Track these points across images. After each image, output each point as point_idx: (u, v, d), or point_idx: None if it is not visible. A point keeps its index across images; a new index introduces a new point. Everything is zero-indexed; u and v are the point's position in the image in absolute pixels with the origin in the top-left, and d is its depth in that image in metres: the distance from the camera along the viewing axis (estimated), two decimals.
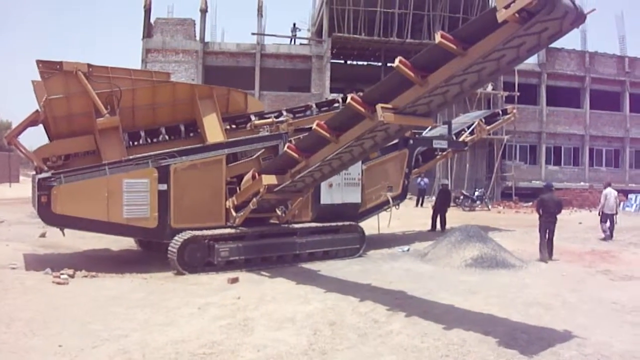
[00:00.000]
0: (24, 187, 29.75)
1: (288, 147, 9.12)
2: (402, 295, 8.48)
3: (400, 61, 6.41)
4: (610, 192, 15.69)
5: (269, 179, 9.67)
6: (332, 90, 32.87)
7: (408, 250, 13.20)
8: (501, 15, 5.21)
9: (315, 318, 7.10)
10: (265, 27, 33.26)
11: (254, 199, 10.11)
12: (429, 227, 17.47)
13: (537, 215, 12.89)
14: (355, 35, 31.23)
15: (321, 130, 8.17)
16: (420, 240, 14.68)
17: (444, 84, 6.45)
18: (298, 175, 9.32)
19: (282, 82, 33.54)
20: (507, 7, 5.13)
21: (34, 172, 11.07)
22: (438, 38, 5.87)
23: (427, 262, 11.47)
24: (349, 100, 7.37)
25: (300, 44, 35.36)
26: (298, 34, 36.72)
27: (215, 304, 7.74)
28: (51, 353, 5.54)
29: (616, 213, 15.93)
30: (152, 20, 32.07)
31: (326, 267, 10.86)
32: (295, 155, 8.99)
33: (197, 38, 32.15)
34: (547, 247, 12.28)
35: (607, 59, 35.72)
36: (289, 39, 35.88)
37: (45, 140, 10.73)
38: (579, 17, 5.44)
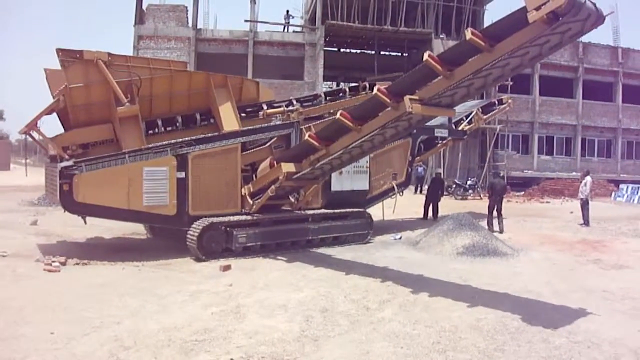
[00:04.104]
0: (15, 175, 29.58)
1: (309, 136, 9.35)
2: (393, 283, 8.48)
3: (429, 55, 6.83)
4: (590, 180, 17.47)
5: (288, 167, 9.93)
6: (325, 78, 32.80)
7: (400, 238, 13.27)
8: (532, 17, 5.69)
9: (307, 305, 7.12)
10: (258, 14, 33.10)
11: (272, 186, 10.32)
12: (421, 215, 17.52)
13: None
14: (348, 23, 31.14)
15: (344, 120, 8.46)
16: (412, 229, 14.75)
17: (471, 77, 6.84)
18: (317, 163, 9.59)
19: (274, 69, 33.36)
20: (537, 8, 5.63)
21: (49, 161, 11.08)
22: (469, 35, 6.30)
23: (419, 250, 11.48)
24: (375, 91, 7.74)
25: (294, 32, 35.14)
26: (291, 21, 36.62)
27: (208, 291, 7.75)
28: (42, 340, 5.50)
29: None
30: (144, 7, 31.72)
31: (319, 255, 10.89)
32: (316, 143, 9.25)
33: (190, 25, 31.85)
34: (498, 221, 14.76)
35: (601, 49, 35.90)
36: (282, 27, 35.68)
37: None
38: (599, 19, 5.97)
